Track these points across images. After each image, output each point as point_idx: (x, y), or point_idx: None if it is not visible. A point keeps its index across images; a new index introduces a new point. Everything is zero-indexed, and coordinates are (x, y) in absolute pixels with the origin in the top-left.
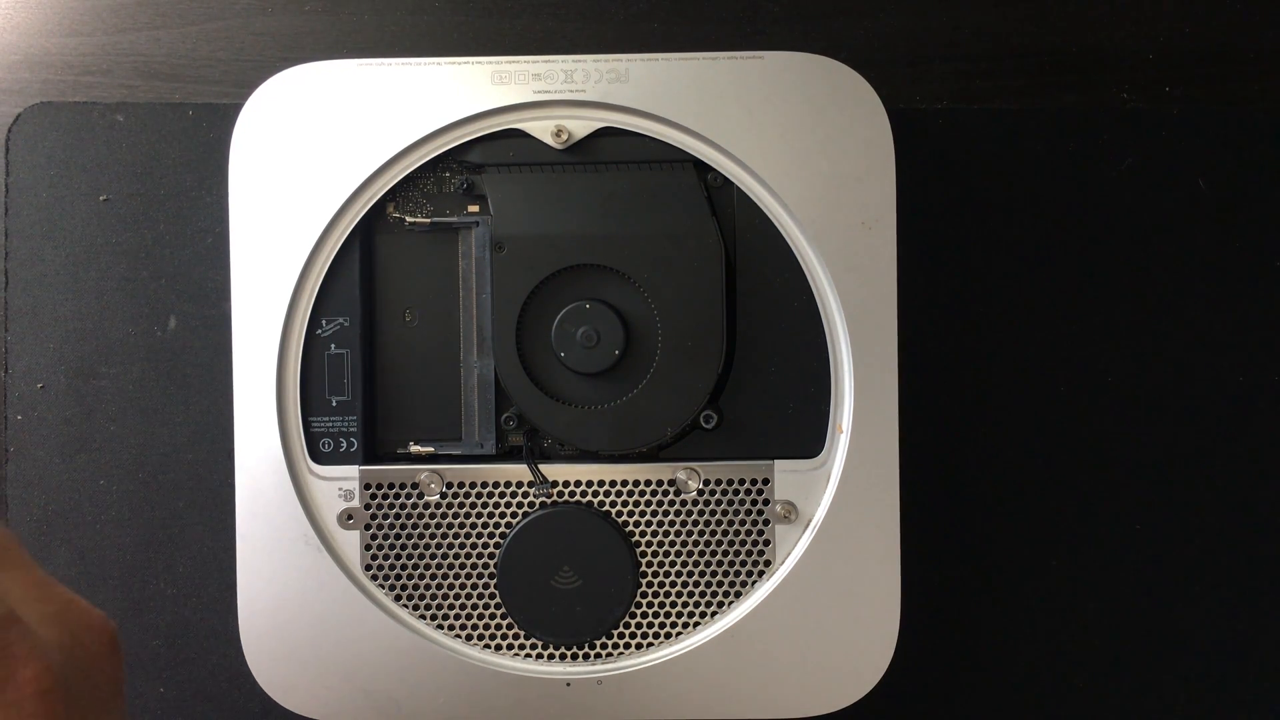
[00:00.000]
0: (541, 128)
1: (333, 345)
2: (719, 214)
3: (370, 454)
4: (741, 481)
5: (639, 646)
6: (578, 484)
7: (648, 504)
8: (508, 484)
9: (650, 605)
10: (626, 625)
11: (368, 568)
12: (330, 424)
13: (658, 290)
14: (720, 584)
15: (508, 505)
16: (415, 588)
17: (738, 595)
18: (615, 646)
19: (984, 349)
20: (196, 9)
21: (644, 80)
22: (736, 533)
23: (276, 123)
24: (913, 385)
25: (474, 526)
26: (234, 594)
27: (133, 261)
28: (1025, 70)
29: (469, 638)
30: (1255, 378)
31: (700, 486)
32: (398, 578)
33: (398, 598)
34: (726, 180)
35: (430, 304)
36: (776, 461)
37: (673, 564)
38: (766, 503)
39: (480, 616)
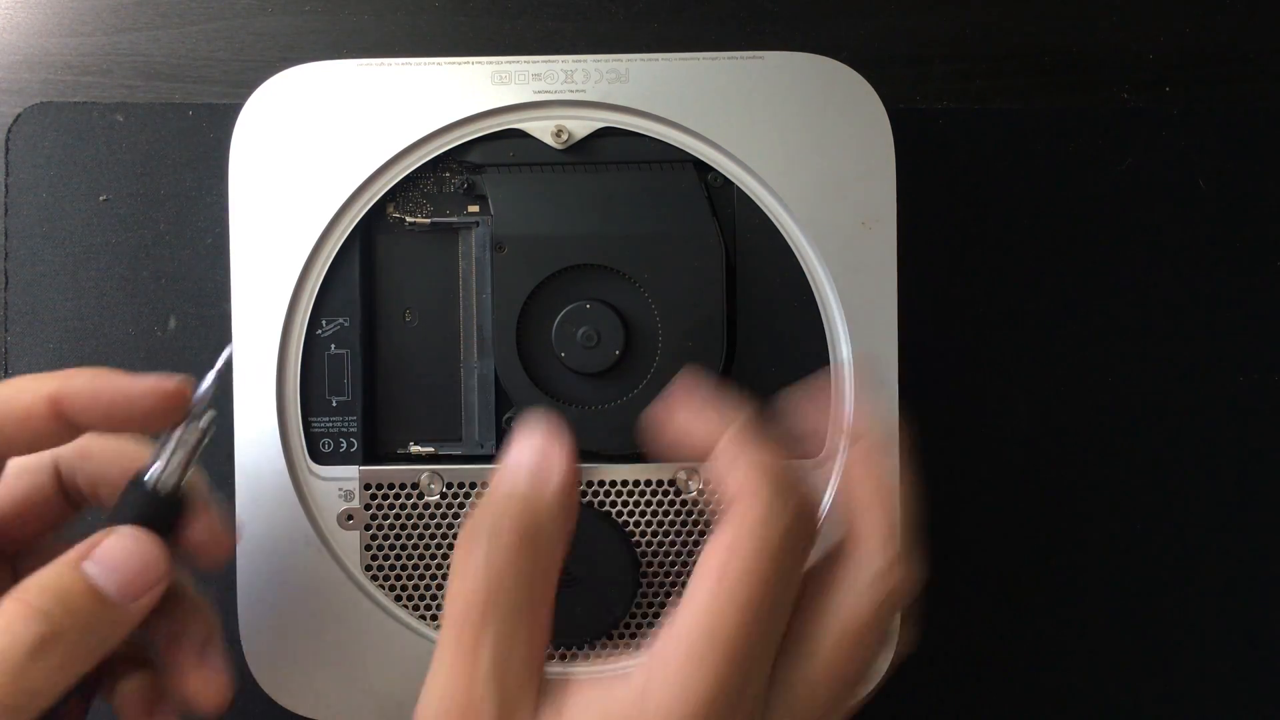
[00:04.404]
0: (541, 128)
1: (333, 345)
2: (719, 214)
3: (370, 454)
4: None
5: (639, 646)
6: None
7: (648, 504)
8: None
9: (650, 605)
10: (626, 625)
11: (368, 568)
12: (330, 424)
13: (658, 290)
14: None
15: None
16: (415, 588)
17: None
18: (615, 646)
19: (984, 349)
20: (196, 9)
21: (644, 80)
22: None
23: (276, 123)
24: (913, 385)
25: None
26: (234, 594)
27: (133, 261)
28: (1025, 70)
29: None
30: (1255, 378)
31: (700, 486)
32: (398, 578)
33: (398, 598)
34: (726, 180)
35: (430, 304)
36: None
37: (673, 564)
38: None
39: None
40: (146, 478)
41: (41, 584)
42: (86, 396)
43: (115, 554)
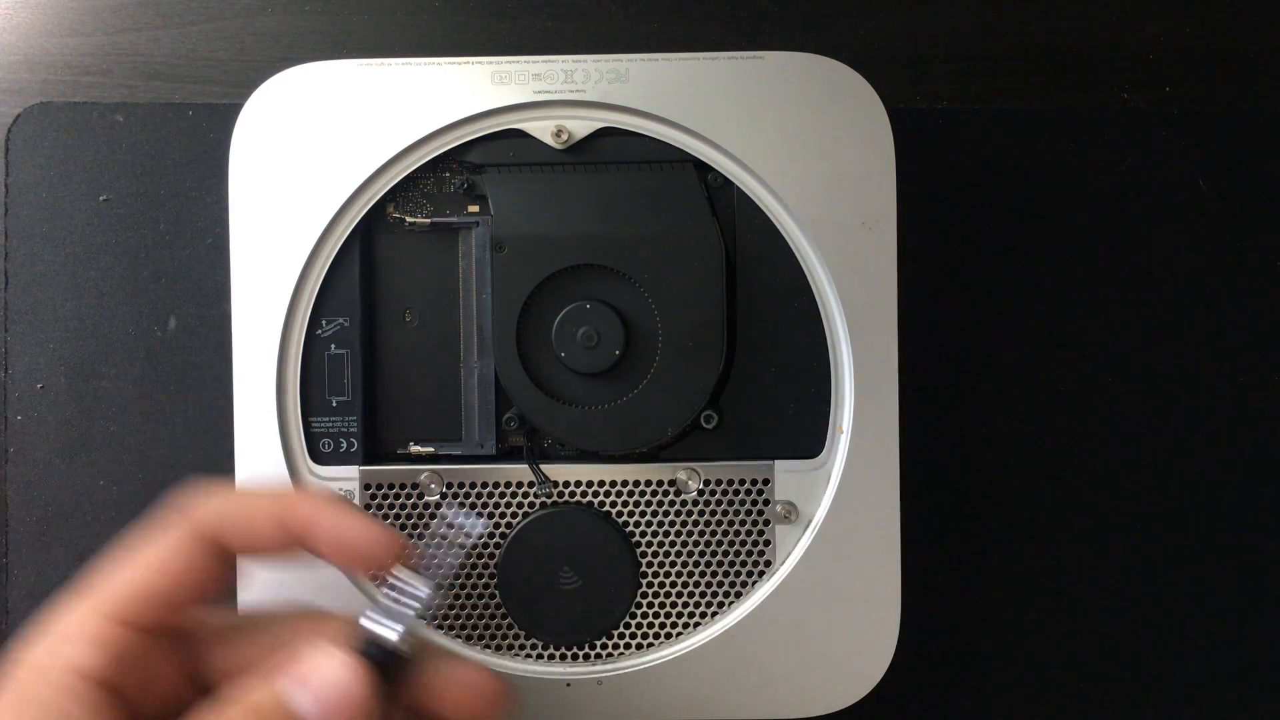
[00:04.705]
0: (541, 128)
1: (333, 345)
2: (719, 214)
3: (370, 454)
4: (741, 481)
5: (639, 646)
6: (578, 484)
7: (648, 504)
8: (508, 484)
9: (650, 605)
10: (626, 625)
11: None
12: (330, 424)
13: (658, 290)
14: (720, 584)
15: (508, 505)
16: None
17: (738, 595)
18: (615, 646)
19: (984, 349)
20: (196, 9)
21: (644, 80)
22: (736, 533)
23: (276, 123)
24: (913, 385)
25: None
26: (234, 594)
27: (133, 261)
28: (1025, 70)
29: (469, 638)
30: (1255, 378)
31: (700, 486)
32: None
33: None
34: (726, 180)
35: (430, 304)
36: (776, 461)
37: (673, 564)
38: (767, 503)
39: (480, 616)
40: (363, 623)
41: (239, 701)
42: (309, 519)
43: (321, 679)
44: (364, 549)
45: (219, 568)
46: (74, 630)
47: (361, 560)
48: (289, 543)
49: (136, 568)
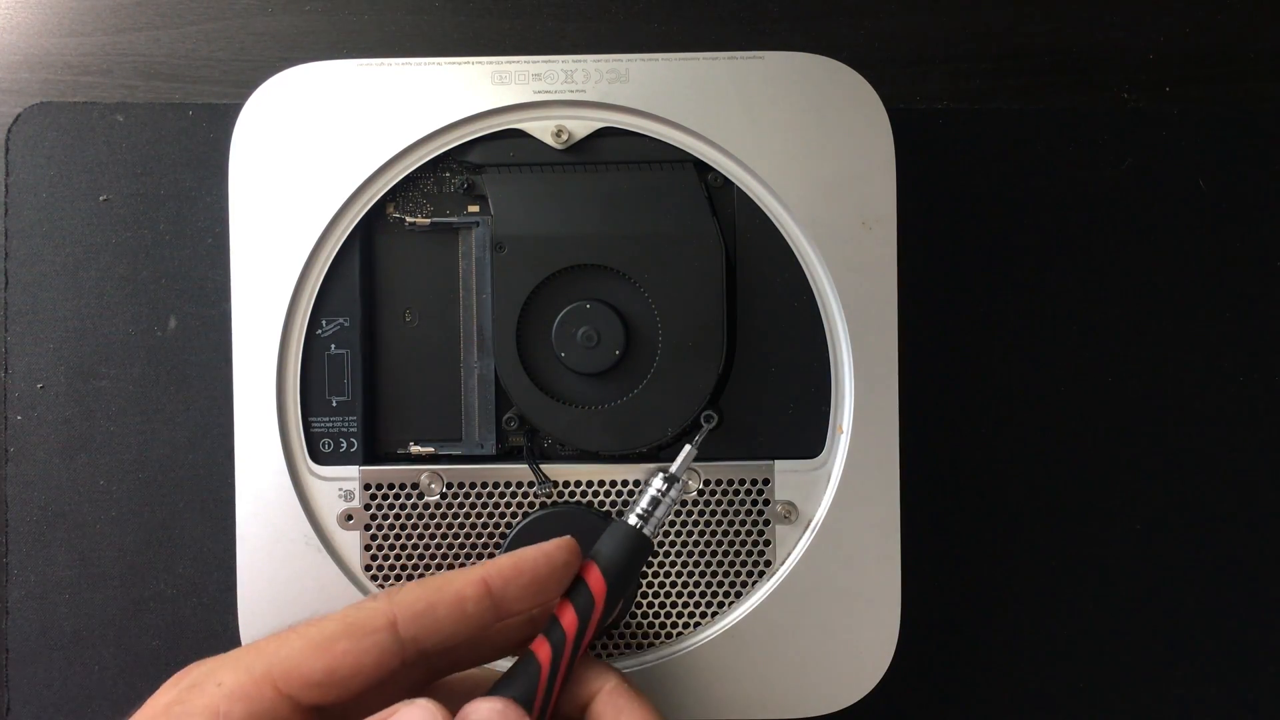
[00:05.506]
0: (541, 128)
1: (333, 345)
2: (719, 214)
3: (370, 454)
4: (741, 481)
5: (639, 646)
6: (578, 484)
7: None
8: (508, 484)
9: (650, 605)
10: (627, 625)
11: (367, 568)
12: (330, 424)
13: (658, 290)
14: (720, 584)
15: (508, 505)
16: None
17: (738, 595)
18: (615, 646)
19: (984, 349)
20: (196, 9)
21: (644, 80)
22: (736, 533)
23: (276, 123)
24: (913, 385)
25: (474, 527)
26: (234, 594)
27: (133, 261)
28: (1025, 70)
29: None
30: (1255, 378)
31: (700, 486)
32: (398, 578)
33: None
34: (726, 180)
35: (430, 304)
36: (776, 461)
37: (673, 564)
38: (767, 503)
39: None
40: (631, 520)
41: None
42: (510, 574)
43: None
44: (544, 566)
45: (399, 665)
46: (242, 692)
47: (551, 580)
48: (489, 610)
49: (321, 651)
